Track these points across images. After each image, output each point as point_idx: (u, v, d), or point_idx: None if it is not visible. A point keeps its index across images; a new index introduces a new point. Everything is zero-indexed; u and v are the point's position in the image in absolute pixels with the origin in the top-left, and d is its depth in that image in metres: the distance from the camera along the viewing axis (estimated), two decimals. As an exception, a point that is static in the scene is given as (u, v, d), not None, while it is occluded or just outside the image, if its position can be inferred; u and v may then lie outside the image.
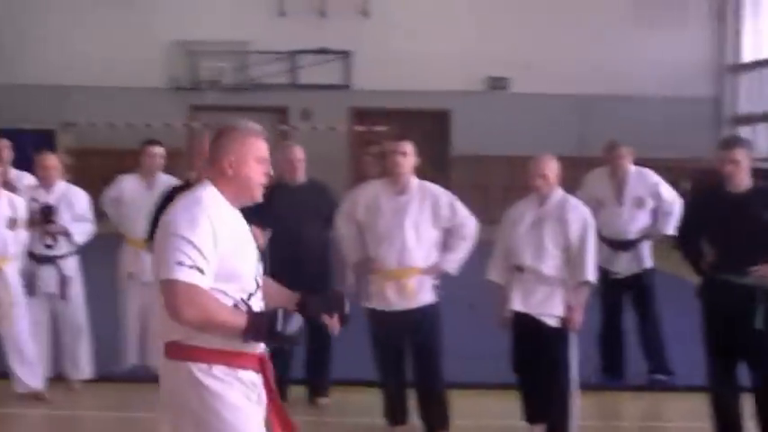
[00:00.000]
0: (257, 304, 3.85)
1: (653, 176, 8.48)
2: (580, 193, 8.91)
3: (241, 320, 3.65)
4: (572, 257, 6.50)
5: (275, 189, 7.77)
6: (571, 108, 21.05)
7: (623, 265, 8.41)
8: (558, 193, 6.62)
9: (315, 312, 4.07)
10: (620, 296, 8.50)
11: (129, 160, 9.75)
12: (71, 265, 7.98)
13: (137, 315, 8.22)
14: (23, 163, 8.86)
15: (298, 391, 7.61)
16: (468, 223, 6.73)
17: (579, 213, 6.57)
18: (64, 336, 7.99)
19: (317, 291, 6.86)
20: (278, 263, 7.51)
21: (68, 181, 8.23)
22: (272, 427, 3.90)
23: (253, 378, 3.82)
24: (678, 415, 7.93)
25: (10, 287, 7.46)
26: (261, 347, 3.87)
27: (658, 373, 8.28)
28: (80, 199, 8.01)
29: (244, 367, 3.78)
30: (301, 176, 7.70)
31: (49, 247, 7.86)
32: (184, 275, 3.54)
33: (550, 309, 6.50)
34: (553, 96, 20.98)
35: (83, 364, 8.02)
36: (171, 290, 3.57)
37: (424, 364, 6.78)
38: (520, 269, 6.57)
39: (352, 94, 21.60)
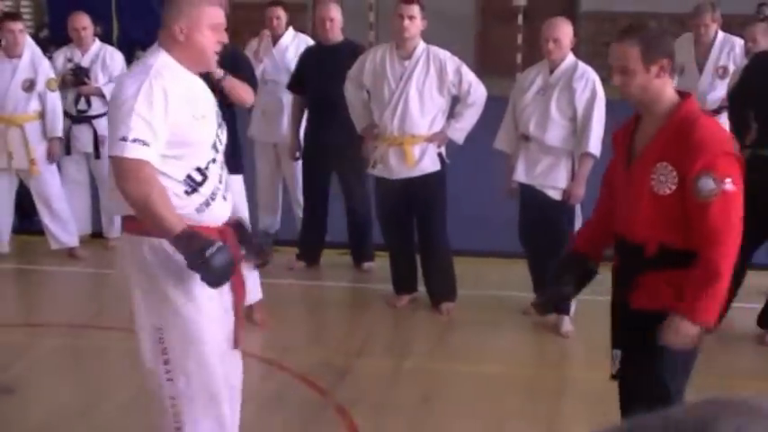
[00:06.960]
0: (216, 172, 3.69)
1: (740, 45, 7.84)
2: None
3: (177, 225, 3.45)
4: (578, 128, 6.09)
5: (309, 50, 7.55)
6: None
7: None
8: (570, 59, 6.17)
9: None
10: None
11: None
12: (105, 125, 7.93)
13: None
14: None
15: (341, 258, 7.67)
16: (476, 90, 6.41)
17: (588, 81, 6.08)
18: (101, 194, 8.07)
19: (347, 155, 6.81)
20: (313, 123, 7.39)
21: None
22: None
23: None
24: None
25: (30, 143, 7.51)
26: (221, 219, 3.74)
27: None
28: (115, 59, 7.98)
29: None
30: (336, 36, 7.40)
31: (82, 109, 7.89)
32: (129, 151, 3.39)
33: (553, 180, 6.15)
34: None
35: (119, 223, 8.06)
36: (117, 166, 3.47)
37: (427, 234, 6.61)
38: (526, 138, 6.22)
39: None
